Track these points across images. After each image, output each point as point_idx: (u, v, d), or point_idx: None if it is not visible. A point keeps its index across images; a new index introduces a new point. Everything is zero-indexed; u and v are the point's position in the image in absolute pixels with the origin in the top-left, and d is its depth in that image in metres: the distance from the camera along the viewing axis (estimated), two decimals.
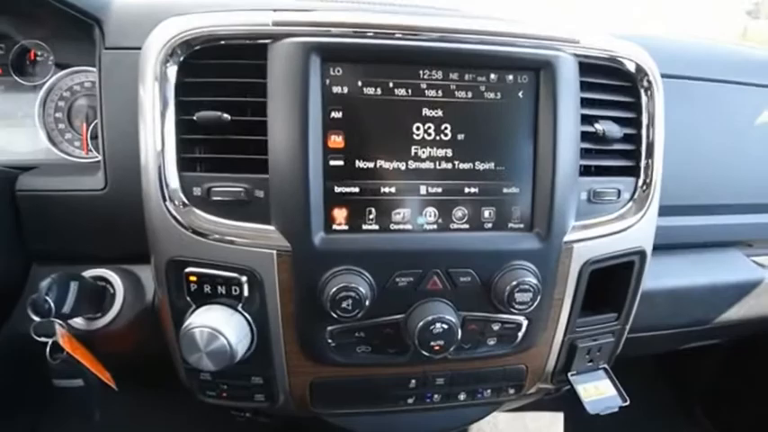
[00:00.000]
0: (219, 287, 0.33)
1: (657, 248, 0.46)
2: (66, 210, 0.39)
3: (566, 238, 0.37)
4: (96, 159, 0.44)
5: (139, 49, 0.34)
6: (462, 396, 0.41)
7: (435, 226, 0.35)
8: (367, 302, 0.33)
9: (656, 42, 0.47)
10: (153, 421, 0.73)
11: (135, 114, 0.34)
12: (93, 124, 0.45)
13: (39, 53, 0.47)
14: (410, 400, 0.41)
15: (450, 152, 0.35)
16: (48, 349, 0.35)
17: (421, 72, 0.33)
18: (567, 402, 0.59)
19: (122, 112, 0.37)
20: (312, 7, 0.40)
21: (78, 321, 0.38)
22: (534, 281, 0.35)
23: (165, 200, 0.32)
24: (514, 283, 0.34)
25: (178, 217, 0.32)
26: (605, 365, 0.45)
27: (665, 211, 0.45)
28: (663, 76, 0.42)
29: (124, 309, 0.39)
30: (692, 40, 0.62)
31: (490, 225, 0.36)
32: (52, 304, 0.33)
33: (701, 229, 0.53)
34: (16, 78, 0.46)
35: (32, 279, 0.40)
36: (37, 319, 0.34)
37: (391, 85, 0.33)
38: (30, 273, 0.41)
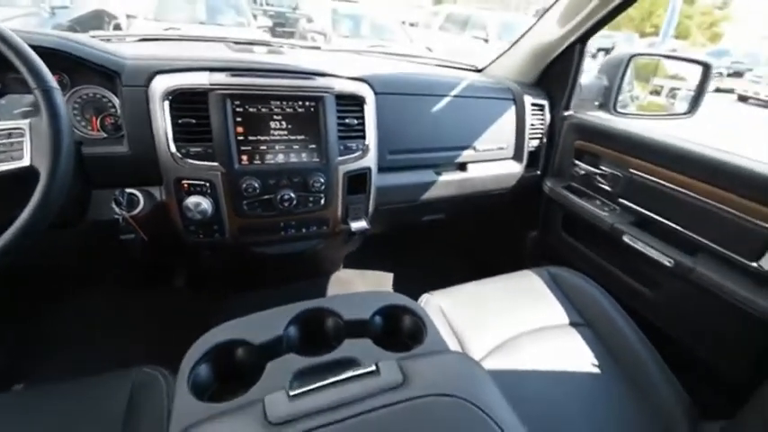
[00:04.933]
0: (197, 188, 0.76)
1: (399, 169, 1.06)
2: (109, 163, 0.74)
3: (335, 162, 0.85)
4: (105, 137, 0.82)
5: (142, 86, 0.76)
6: (303, 230, 0.89)
7: (283, 161, 0.81)
8: (258, 191, 0.81)
9: (380, 77, 0.95)
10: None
11: (140, 117, 0.74)
12: (101, 117, 0.78)
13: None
14: (282, 233, 0.87)
15: (287, 133, 0.81)
16: (120, 220, 0.79)
17: (271, 102, 0.80)
18: None
19: (133, 116, 0.74)
20: (229, 65, 0.80)
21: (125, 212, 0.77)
22: (323, 179, 0.86)
23: (171, 156, 0.74)
24: (317, 180, 0.86)
25: (178, 161, 0.73)
26: (364, 218, 0.97)
27: (403, 151, 1.04)
28: (382, 93, 0.98)
29: (145, 206, 0.81)
30: (402, 73, 1.08)
31: (306, 158, 0.83)
32: (123, 200, 0.77)
33: (423, 159, 1.05)
34: None
35: (94, 197, 0.76)
36: (116, 208, 0.77)
37: (260, 107, 0.78)
38: (92, 193, 0.77)
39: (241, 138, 0.78)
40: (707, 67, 1.11)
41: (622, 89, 1.17)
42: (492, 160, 1.17)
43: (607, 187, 1.06)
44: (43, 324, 1.18)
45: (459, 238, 1.53)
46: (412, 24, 13.31)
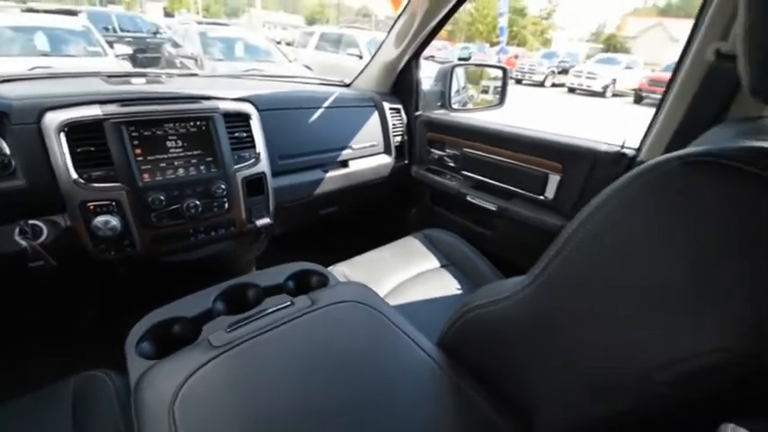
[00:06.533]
0: (104, 207, 0.83)
1: (292, 172, 1.24)
2: (7, 198, 0.76)
3: (231, 170, 0.97)
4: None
5: (33, 123, 0.81)
6: (213, 234, 1.02)
7: (183, 174, 0.93)
8: (164, 203, 0.91)
9: (261, 96, 1.12)
10: None
11: (34, 151, 0.79)
12: None
13: None
14: (192, 239, 0.98)
15: (184, 150, 0.94)
16: (27, 249, 0.81)
17: (165, 124, 0.92)
18: None
19: (27, 151, 0.78)
20: (119, 97, 0.88)
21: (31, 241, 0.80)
22: (224, 186, 1.01)
23: (74, 182, 0.79)
24: (218, 187, 1.02)
25: (81, 186, 0.79)
26: (267, 215, 1.18)
27: (291, 156, 1.23)
28: (265, 110, 1.17)
29: (49, 234, 0.85)
30: (280, 91, 1.25)
31: (204, 170, 0.94)
32: (28, 230, 0.81)
33: (311, 161, 1.28)
34: None
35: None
36: (20, 239, 0.80)
37: (154, 130, 0.89)
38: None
39: (140, 158, 0.88)
40: (504, 70, 1.55)
41: (453, 91, 1.55)
42: (368, 156, 1.43)
43: (452, 164, 1.41)
44: None
45: (354, 225, 1.77)
46: (288, 44, 13.47)
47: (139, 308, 0.72)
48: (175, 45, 5.70)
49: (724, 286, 0.32)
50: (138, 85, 1.07)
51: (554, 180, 1.11)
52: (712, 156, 0.33)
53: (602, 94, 11.70)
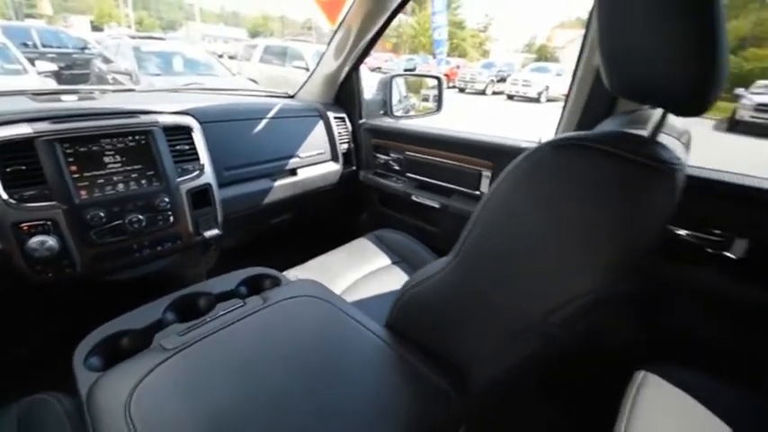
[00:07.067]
0: (39, 227, 0.80)
1: (239, 182, 1.26)
2: None
3: (175, 183, 0.97)
4: None
5: None
6: (158, 248, 1.00)
7: (123, 189, 0.92)
8: (104, 219, 0.90)
9: (202, 109, 1.13)
10: None
11: None
12: None
13: None
14: (137, 254, 0.97)
15: (122, 165, 0.93)
16: None
17: (101, 140, 0.91)
18: None
19: None
20: (49, 114, 0.86)
21: None
22: (168, 199, 1.01)
23: (4, 203, 0.76)
24: (162, 200, 1.01)
25: (12, 206, 0.76)
26: (215, 227, 1.19)
27: (237, 167, 1.24)
28: (207, 122, 1.18)
29: None
30: (222, 104, 1.26)
31: (146, 184, 0.94)
32: None
33: (258, 171, 1.32)
34: None
35: None
36: None
37: (90, 146, 0.88)
38: None
39: (76, 175, 0.86)
40: (439, 79, 1.67)
41: (396, 100, 1.64)
42: (315, 163, 1.47)
43: (397, 167, 1.49)
44: None
45: (308, 232, 1.80)
46: (231, 57, 13.15)
47: (87, 329, 0.70)
48: (106, 60, 5.39)
49: (589, 240, 0.40)
50: (70, 102, 1.04)
51: (487, 176, 1.22)
52: (573, 140, 0.42)
53: (537, 100, 12.61)
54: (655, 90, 0.41)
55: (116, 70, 4.86)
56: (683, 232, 0.89)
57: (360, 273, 1.18)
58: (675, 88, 0.39)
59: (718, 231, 0.85)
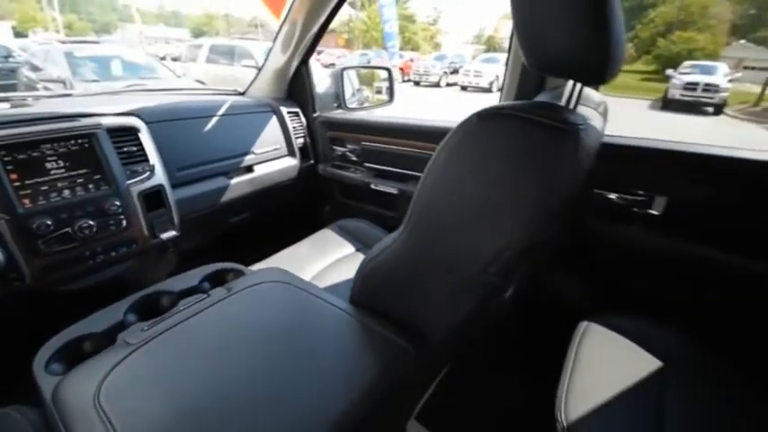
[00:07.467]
0: None
1: (193, 182, 1.24)
2: None
3: (124, 186, 0.94)
4: None
5: None
6: (113, 254, 0.96)
7: (70, 195, 0.89)
8: (51, 227, 0.86)
9: (147, 109, 1.10)
10: None
11: None
12: None
13: None
14: (90, 261, 0.95)
15: (67, 170, 0.89)
16: None
17: (41, 146, 0.87)
18: None
19: None
20: None
21: None
22: (119, 202, 0.98)
23: None
24: (112, 204, 0.97)
25: None
26: (172, 228, 1.16)
27: (190, 166, 1.22)
28: (154, 122, 1.15)
29: None
30: (168, 103, 1.23)
31: (93, 188, 0.90)
32: None
33: (212, 169, 1.30)
34: None
35: None
36: None
37: (30, 152, 0.84)
38: None
39: (18, 184, 0.83)
40: (389, 71, 1.71)
41: (349, 93, 1.67)
42: (272, 159, 1.47)
43: (354, 158, 1.52)
44: None
45: (270, 229, 1.80)
46: (174, 59, 12.53)
47: (44, 342, 0.68)
48: (35, 69, 4.97)
49: (511, 198, 0.46)
50: (2, 110, 0.98)
51: None
52: (496, 109, 0.48)
53: (489, 90, 13.03)
54: (564, 65, 0.48)
55: (47, 78, 4.51)
56: (613, 196, 0.99)
57: (325, 262, 1.20)
58: (581, 64, 0.47)
59: (641, 192, 0.96)
